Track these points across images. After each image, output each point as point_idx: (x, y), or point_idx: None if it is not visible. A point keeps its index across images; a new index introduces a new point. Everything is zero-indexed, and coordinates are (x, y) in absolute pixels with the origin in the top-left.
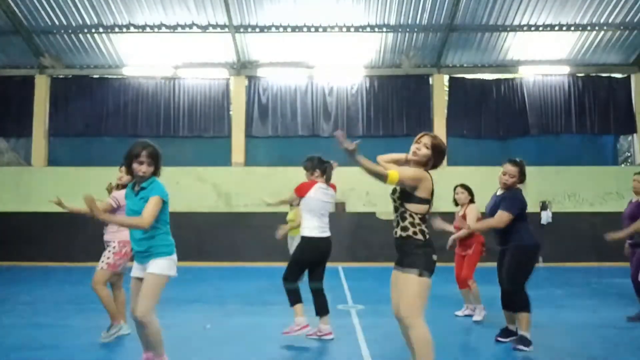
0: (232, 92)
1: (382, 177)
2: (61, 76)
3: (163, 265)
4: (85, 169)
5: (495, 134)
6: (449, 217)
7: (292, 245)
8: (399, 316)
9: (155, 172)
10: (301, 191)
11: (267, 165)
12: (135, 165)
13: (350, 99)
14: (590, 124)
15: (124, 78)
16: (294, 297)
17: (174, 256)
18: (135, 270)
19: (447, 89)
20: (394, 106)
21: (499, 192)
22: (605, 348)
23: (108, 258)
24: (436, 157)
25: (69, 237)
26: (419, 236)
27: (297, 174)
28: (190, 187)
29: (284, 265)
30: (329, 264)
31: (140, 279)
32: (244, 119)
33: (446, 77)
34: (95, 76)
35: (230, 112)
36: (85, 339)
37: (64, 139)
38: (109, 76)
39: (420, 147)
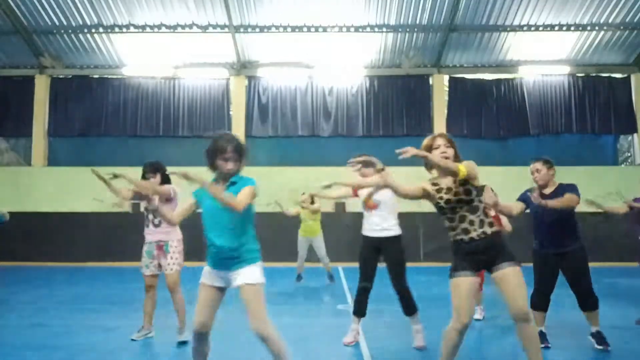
0: (232, 92)
1: (454, 172)
2: (61, 76)
3: (257, 272)
4: (85, 169)
5: (495, 134)
6: None
7: (317, 245)
8: (522, 312)
9: (240, 168)
10: None
11: (267, 165)
12: (220, 162)
13: (350, 99)
14: (590, 123)
15: (124, 78)
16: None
17: (261, 262)
18: (212, 278)
19: (447, 89)
20: (394, 106)
21: (548, 191)
22: (611, 349)
23: (177, 259)
24: (456, 151)
25: (69, 237)
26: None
27: (297, 174)
28: (190, 187)
29: (283, 265)
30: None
31: (219, 289)
32: (244, 119)
33: (446, 77)
34: (95, 76)
35: (230, 112)
36: (85, 339)
37: (63, 139)
38: (109, 76)
39: (444, 149)
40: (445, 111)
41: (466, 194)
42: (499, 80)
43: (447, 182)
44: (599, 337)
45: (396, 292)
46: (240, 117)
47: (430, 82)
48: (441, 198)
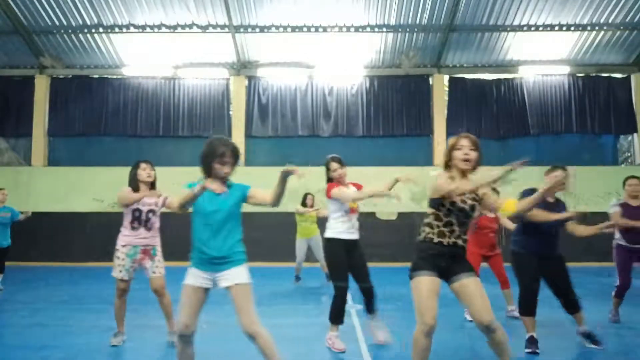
0: (232, 92)
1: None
2: (61, 76)
3: (245, 273)
4: (85, 169)
5: (495, 134)
6: None
7: (314, 244)
8: (487, 323)
9: (233, 172)
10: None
11: (267, 165)
12: (217, 165)
13: (350, 99)
14: (590, 123)
15: (124, 78)
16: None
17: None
18: (198, 279)
19: (447, 89)
20: (394, 106)
21: (552, 200)
22: (604, 348)
23: (162, 262)
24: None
25: (69, 237)
26: None
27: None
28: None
29: (284, 265)
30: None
31: (204, 290)
32: (244, 119)
33: (446, 77)
34: (95, 76)
35: (230, 112)
36: (85, 339)
37: (63, 139)
38: (109, 76)
39: (467, 151)
40: (445, 111)
41: (471, 209)
42: (499, 80)
43: (464, 187)
44: (589, 335)
45: (365, 289)
46: (240, 117)
47: (430, 82)
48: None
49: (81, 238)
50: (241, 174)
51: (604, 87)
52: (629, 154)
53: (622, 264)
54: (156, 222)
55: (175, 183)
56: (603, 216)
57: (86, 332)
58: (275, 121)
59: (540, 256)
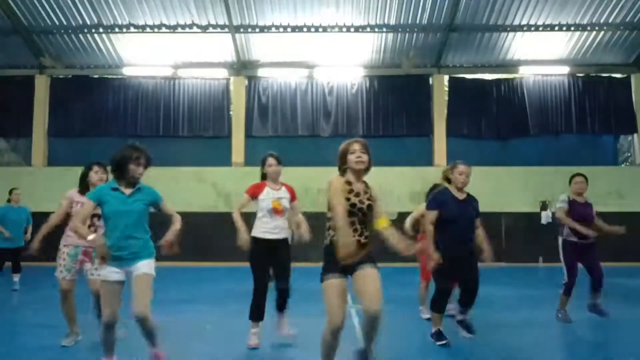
0: (232, 92)
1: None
2: (61, 76)
3: (152, 265)
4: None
5: (495, 134)
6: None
7: None
8: (377, 311)
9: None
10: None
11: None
12: (132, 167)
13: (350, 98)
14: (590, 124)
15: (124, 78)
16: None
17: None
18: (115, 274)
19: (447, 89)
20: (394, 106)
21: (462, 197)
22: (603, 347)
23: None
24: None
25: None
26: None
27: (297, 174)
28: (190, 187)
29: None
30: None
31: (120, 282)
32: (244, 119)
33: (446, 77)
34: (95, 76)
35: (230, 112)
36: (85, 339)
37: (63, 139)
38: (109, 76)
39: (359, 154)
40: (445, 111)
41: (368, 208)
42: (499, 80)
43: (360, 188)
44: (464, 322)
45: (282, 290)
46: (240, 117)
47: (430, 82)
48: (348, 199)
49: None
50: (242, 174)
51: (604, 87)
52: (629, 154)
53: (572, 261)
54: (101, 225)
55: (175, 183)
56: (603, 216)
57: (86, 332)
58: (275, 121)
59: (456, 254)
